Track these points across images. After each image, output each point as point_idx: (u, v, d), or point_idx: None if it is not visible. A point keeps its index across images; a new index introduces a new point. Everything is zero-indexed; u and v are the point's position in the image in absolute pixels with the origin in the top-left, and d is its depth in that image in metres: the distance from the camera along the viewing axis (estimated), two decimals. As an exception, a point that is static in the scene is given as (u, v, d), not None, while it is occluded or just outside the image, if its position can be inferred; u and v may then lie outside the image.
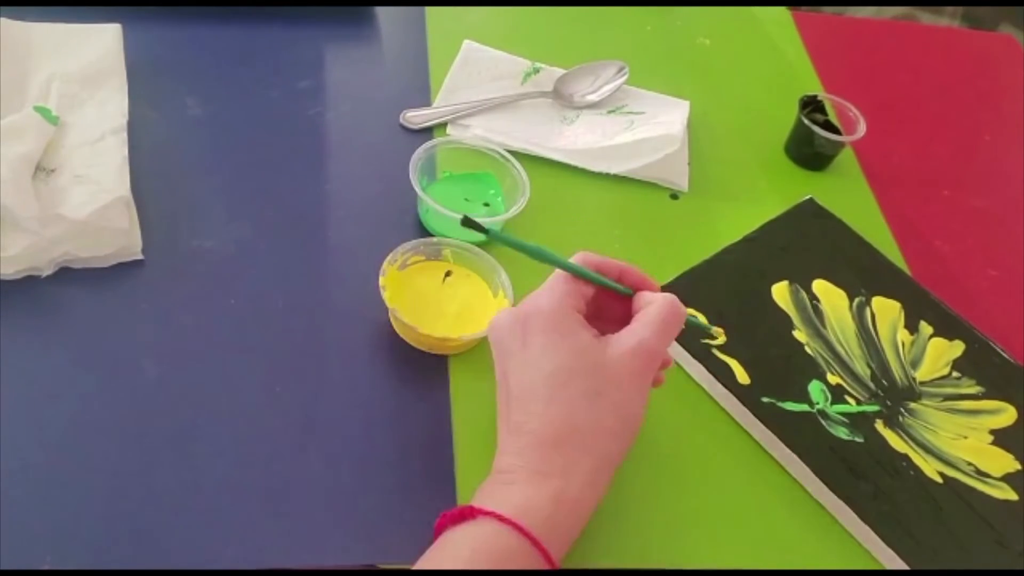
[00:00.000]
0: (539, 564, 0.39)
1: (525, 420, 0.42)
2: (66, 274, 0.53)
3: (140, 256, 0.54)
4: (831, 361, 0.56)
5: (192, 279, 0.55)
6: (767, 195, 0.69)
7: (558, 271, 0.46)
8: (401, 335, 0.54)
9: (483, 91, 0.70)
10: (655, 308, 0.45)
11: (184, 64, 0.67)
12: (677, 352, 0.56)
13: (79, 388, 0.49)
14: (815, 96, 0.72)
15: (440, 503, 0.47)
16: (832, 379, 0.55)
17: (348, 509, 0.46)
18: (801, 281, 0.61)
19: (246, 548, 0.44)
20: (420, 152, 0.59)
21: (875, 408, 0.55)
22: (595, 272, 0.46)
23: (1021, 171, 0.78)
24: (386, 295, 0.52)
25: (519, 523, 0.39)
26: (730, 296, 0.59)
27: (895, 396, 0.56)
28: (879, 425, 0.54)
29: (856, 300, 0.60)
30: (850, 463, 0.51)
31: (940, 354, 0.58)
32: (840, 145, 0.71)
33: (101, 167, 0.56)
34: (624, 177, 0.67)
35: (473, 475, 0.48)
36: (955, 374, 0.58)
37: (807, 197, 0.67)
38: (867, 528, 0.49)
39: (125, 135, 0.59)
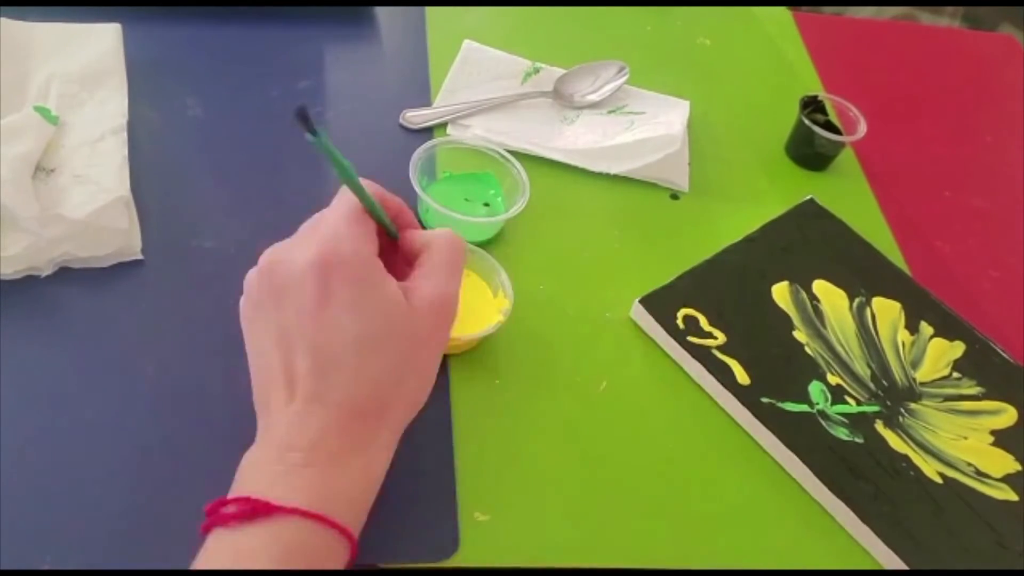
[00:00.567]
0: (343, 549, 0.36)
1: (325, 391, 0.37)
2: (66, 274, 0.53)
3: (140, 256, 0.54)
4: (831, 361, 0.56)
5: (192, 279, 0.55)
6: (767, 195, 0.69)
7: (344, 205, 0.40)
8: (401, 335, 0.54)
9: (483, 91, 0.70)
10: (441, 249, 0.41)
11: (184, 64, 0.67)
12: (676, 352, 0.56)
13: (79, 388, 0.49)
14: (815, 96, 0.72)
15: (440, 503, 0.47)
16: (832, 379, 0.55)
17: (348, 509, 0.46)
18: (801, 281, 0.61)
19: (246, 548, 0.44)
20: (420, 152, 0.59)
21: (875, 408, 0.55)
22: (380, 206, 0.41)
23: (1022, 171, 0.77)
24: (386, 295, 0.52)
25: (328, 517, 0.35)
26: (730, 296, 0.59)
27: (895, 397, 0.55)
28: (879, 425, 0.54)
29: (856, 300, 0.60)
30: (850, 463, 0.51)
31: (940, 354, 0.58)
32: (840, 145, 0.71)
33: (101, 167, 0.56)
34: (624, 177, 0.67)
35: (473, 475, 0.48)
36: (955, 375, 0.57)
37: (807, 197, 0.67)
38: (867, 528, 0.49)
39: (125, 135, 0.59)
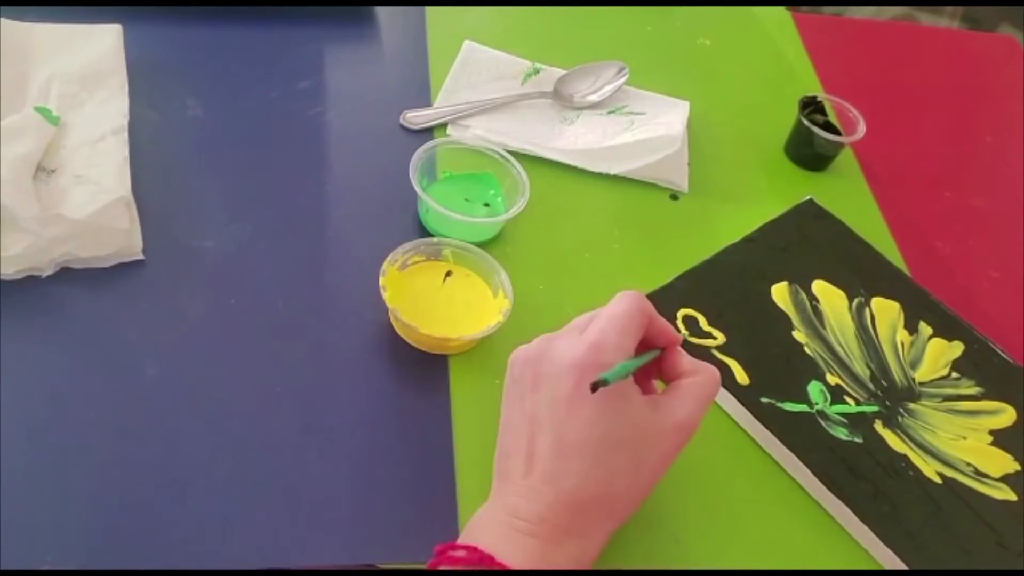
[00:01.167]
0: None
1: (560, 475, 0.40)
2: (66, 274, 0.53)
3: (140, 256, 0.55)
4: (830, 361, 0.56)
5: (192, 279, 0.55)
6: (767, 195, 0.69)
7: (616, 314, 0.43)
8: (401, 335, 0.54)
9: (483, 91, 0.70)
10: (702, 384, 0.44)
11: (184, 64, 0.67)
12: (677, 352, 0.56)
13: (79, 388, 0.49)
14: (815, 97, 0.72)
15: (440, 503, 0.47)
16: (831, 379, 0.55)
17: (348, 509, 0.46)
18: (801, 281, 0.61)
19: (246, 548, 0.44)
20: (420, 152, 0.59)
21: (874, 408, 0.55)
22: (641, 334, 0.44)
23: (1022, 172, 0.77)
24: (386, 295, 0.52)
25: None
26: (730, 296, 0.59)
27: (894, 396, 0.56)
28: (878, 425, 0.54)
29: (855, 300, 0.60)
30: (849, 463, 0.51)
31: (939, 354, 0.58)
32: (840, 146, 0.71)
33: (101, 167, 0.56)
34: (624, 177, 0.67)
35: (473, 475, 0.48)
36: (954, 375, 0.58)
37: (807, 198, 0.67)
38: (866, 528, 0.49)
39: (126, 135, 0.59)
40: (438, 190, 0.62)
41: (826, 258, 0.62)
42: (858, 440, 0.53)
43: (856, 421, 0.54)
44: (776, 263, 0.61)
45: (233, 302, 0.54)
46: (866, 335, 0.59)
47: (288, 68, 0.69)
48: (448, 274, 0.57)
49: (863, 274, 0.62)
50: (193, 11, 0.71)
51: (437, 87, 0.70)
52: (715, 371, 0.45)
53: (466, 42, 0.74)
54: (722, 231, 0.63)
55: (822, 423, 0.53)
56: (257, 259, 0.57)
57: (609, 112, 0.71)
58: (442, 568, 0.39)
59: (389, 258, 0.54)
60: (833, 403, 0.54)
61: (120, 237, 0.54)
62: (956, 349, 0.59)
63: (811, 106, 0.72)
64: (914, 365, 0.58)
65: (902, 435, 0.53)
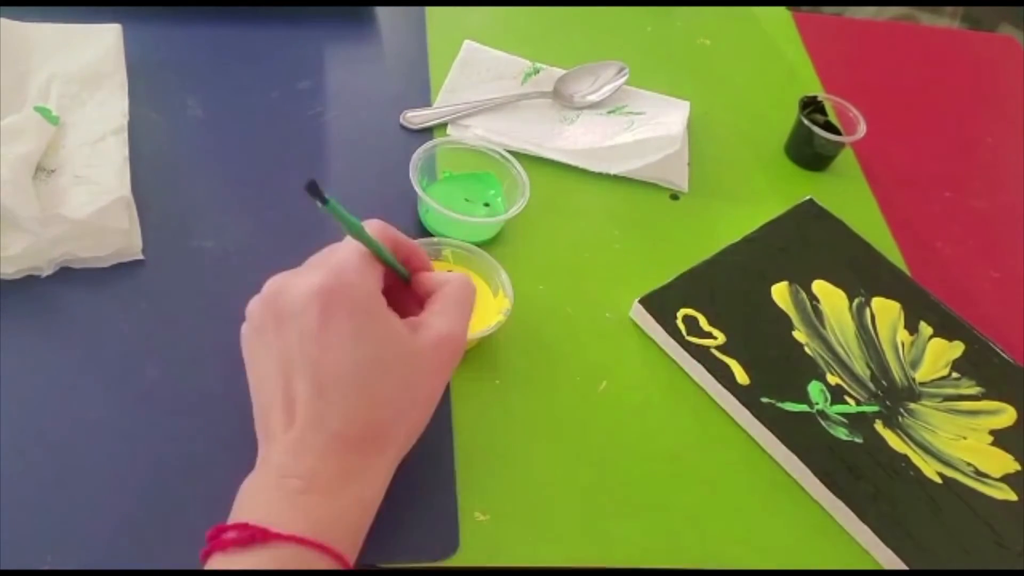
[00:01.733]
0: (334, 566, 0.36)
1: (325, 415, 0.37)
2: (66, 274, 0.53)
3: (140, 256, 0.54)
4: (831, 361, 0.56)
5: (192, 279, 0.55)
6: (767, 195, 0.69)
7: (353, 244, 0.41)
8: (401, 335, 0.54)
9: (483, 91, 0.70)
10: (452, 291, 0.42)
11: (184, 64, 0.67)
12: (676, 352, 0.56)
13: (79, 388, 0.49)
14: (815, 97, 0.72)
15: (440, 503, 0.47)
16: (832, 379, 0.55)
17: (348, 509, 0.46)
18: (801, 281, 0.61)
19: (246, 548, 0.44)
20: (420, 152, 0.59)
21: (874, 408, 0.55)
22: (390, 250, 0.42)
23: (1022, 172, 0.77)
24: (386, 295, 0.52)
25: (325, 544, 0.35)
26: (730, 296, 0.59)
27: (894, 396, 0.56)
28: (878, 425, 0.54)
29: (856, 300, 0.60)
30: (849, 463, 0.51)
31: (940, 354, 0.58)
32: (840, 146, 0.71)
33: (101, 167, 0.56)
34: (624, 177, 0.67)
35: (473, 475, 0.48)
36: (955, 375, 0.58)
37: (807, 198, 0.67)
38: (866, 528, 0.49)
39: (125, 135, 0.59)
40: (438, 190, 0.62)
41: (826, 258, 0.62)
42: (858, 440, 0.53)
43: (856, 421, 0.54)
44: (776, 263, 0.61)
45: (233, 302, 0.54)
46: (866, 335, 0.59)
47: (288, 68, 0.69)
48: (448, 274, 0.57)
49: (863, 274, 0.62)
50: (193, 11, 0.71)
51: (437, 87, 0.70)
52: (464, 276, 0.43)
53: (466, 42, 0.74)
54: (722, 231, 0.63)
55: (822, 423, 0.53)
56: (257, 259, 0.56)
57: (609, 112, 0.71)
58: (216, 555, 0.35)
59: (389, 258, 0.54)
60: (833, 403, 0.54)
61: (120, 237, 0.54)
62: (956, 349, 0.59)
63: (811, 106, 0.71)
64: (914, 365, 0.58)
65: (902, 435, 0.53)
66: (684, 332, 0.56)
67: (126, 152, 0.58)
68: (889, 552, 0.48)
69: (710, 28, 0.83)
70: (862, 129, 0.70)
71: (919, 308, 0.61)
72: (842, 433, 0.53)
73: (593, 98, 0.72)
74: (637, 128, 0.69)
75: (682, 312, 0.57)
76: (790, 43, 0.84)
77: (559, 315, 0.57)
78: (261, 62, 0.69)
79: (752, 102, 0.77)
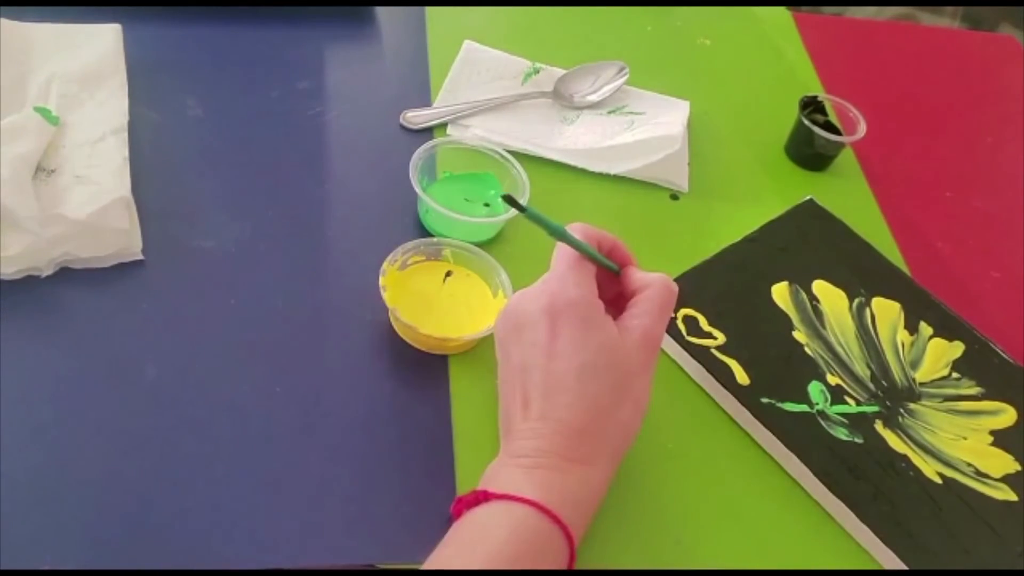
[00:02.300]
0: (563, 548, 0.40)
1: (553, 408, 0.43)
2: (66, 274, 0.53)
3: (140, 256, 0.55)
4: (831, 362, 0.56)
5: (192, 279, 0.55)
6: (767, 195, 0.69)
7: (566, 254, 0.47)
8: (401, 335, 0.54)
9: (483, 91, 0.70)
10: (654, 294, 0.47)
11: (184, 64, 0.67)
12: (676, 352, 0.56)
13: (79, 388, 0.49)
14: (815, 96, 0.72)
15: (440, 503, 0.47)
16: (832, 380, 0.55)
17: (348, 509, 0.46)
18: (801, 281, 0.61)
19: (246, 548, 0.44)
20: (420, 152, 0.59)
21: (875, 409, 0.55)
22: (594, 248, 0.48)
23: (1022, 172, 0.77)
24: (386, 295, 0.52)
25: (552, 510, 0.40)
26: (730, 296, 0.59)
27: (895, 397, 0.56)
28: (879, 426, 0.54)
29: (856, 301, 0.60)
30: (849, 464, 0.51)
31: (940, 355, 0.58)
32: (840, 146, 0.71)
33: (101, 167, 0.56)
34: (624, 177, 0.67)
35: (473, 475, 0.48)
36: (955, 375, 0.58)
37: (807, 198, 0.67)
38: (866, 529, 0.49)
39: (125, 135, 0.59)
40: (438, 190, 0.62)
41: (826, 258, 0.62)
42: (858, 440, 0.53)
43: (856, 421, 0.54)
44: (776, 263, 0.61)
45: (233, 302, 0.54)
46: (866, 335, 0.59)
47: (288, 68, 0.69)
48: (448, 274, 0.57)
49: (863, 274, 0.62)
50: (193, 11, 0.71)
51: (437, 87, 0.70)
52: (665, 278, 0.48)
53: (466, 42, 0.74)
54: (722, 231, 0.63)
55: (822, 423, 0.53)
56: (257, 259, 0.57)
57: (609, 112, 0.71)
58: (459, 512, 0.41)
59: (389, 258, 0.54)
60: (833, 403, 0.54)
61: (120, 237, 0.54)
62: (956, 349, 0.59)
63: (811, 106, 0.71)
64: (914, 365, 0.58)
65: (902, 435, 0.53)
66: (684, 332, 0.56)
67: (126, 152, 0.58)
68: (889, 552, 0.48)
69: (710, 28, 0.83)
70: (862, 129, 0.70)
71: (919, 308, 0.61)
72: (842, 433, 0.53)
73: (593, 98, 0.72)
74: (637, 128, 0.69)
75: (682, 312, 0.57)
76: (790, 43, 0.84)
77: (559, 315, 0.57)
78: (261, 62, 0.69)
79: (752, 102, 0.77)
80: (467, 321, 0.54)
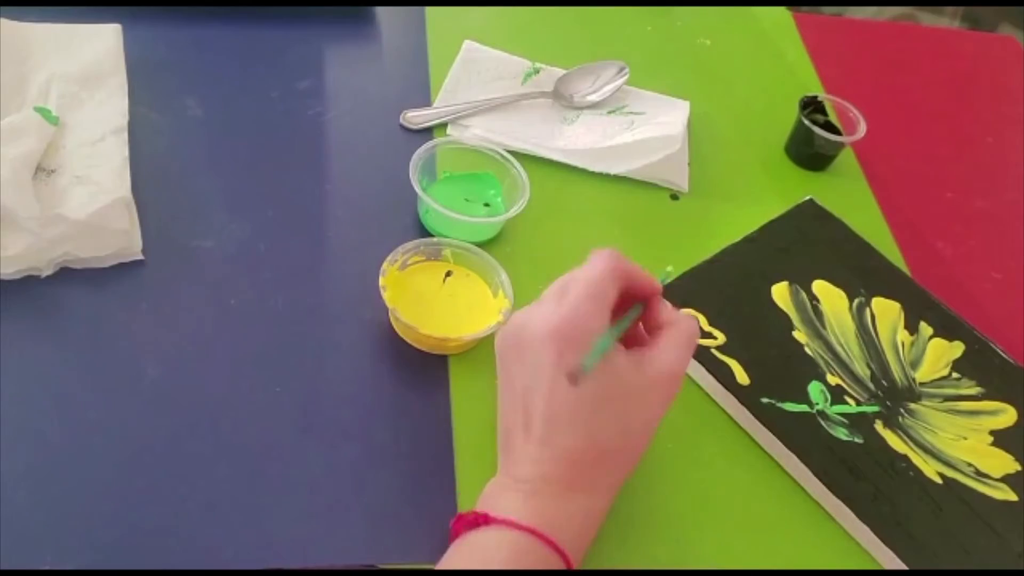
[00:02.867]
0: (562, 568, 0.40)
1: (554, 436, 0.42)
2: (66, 274, 0.53)
3: (140, 256, 0.54)
4: (831, 362, 0.56)
5: (192, 279, 0.55)
6: (767, 195, 0.69)
7: (585, 281, 0.44)
8: (401, 335, 0.54)
9: (483, 91, 0.70)
10: (682, 332, 0.45)
11: (184, 64, 0.67)
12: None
13: (79, 388, 0.49)
14: (815, 96, 0.72)
15: (440, 503, 0.47)
16: (832, 380, 0.55)
17: (348, 509, 0.46)
18: (801, 282, 0.61)
19: (246, 548, 0.44)
20: (420, 152, 0.59)
21: (875, 409, 0.55)
22: (625, 277, 0.45)
23: (1023, 173, 0.77)
24: (386, 295, 0.52)
25: (552, 539, 0.40)
26: (730, 296, 0.59)
27: (895, 397, 0.56)
28: (879, 426, 0.54)
29: (856, 301, 0.60)
30: (850, 464, 0.51)
31: (940, 355, 0.58)
32: (840, 146, 0.71)
33: (101, 168, 0.56)
34: (624, 177, 0.67)
35: (473, 475, 0.48)
36: (955, 375, 0.58)
37: (807, 198, 0.67)
38: (866, 529, 0.49)
39: (125, 135, 0.59)
40: (438, 190, 0.62)
41: (826, 258, 0.62)
42: (858, 440, 0.53)
43: (856, 421, 0.54)
44: (776, 263, 0.61)
45: (233, 302, 0.54)
46: (866, 335, 0.59)
47: (288, 68, 0.69)
48: (448, 274, 0.57)
49: (863, 274, 0.62)
50: (193, 11, 0.71)
51: (437, 87, 0.70)
52: (693, 319, 0.47)
53: (466, 42, 0.74)
54: (722, 231, 0.63)
55: (822, 423, 0.53)
56: (257, 259, 0.57)
57: (609, 112, 0.71)
58: (456, 540, 0.41)
59: (389, 258, 0.54)
60: (833, 403, 0.54)
61: (120, 237, 0.54)
62: (956, 349, 0.59)
63: (811, 106, 0.71)
64: (915, 365, 0.58)
65: (902, 435, 0.53)
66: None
67: (126, 152, 0.58)
68: (889, 552, 0.48)
69: (710, 28, 0.83)
70: (862, 129, 0.70)
71: (919, 308, 0.61)
72: (842, 433, 0.53)
73: (593, 98, 0.72)
74: (637, 128, 0.69)
75: (682, 312, 0.57)
76: (790, 43, 0.84)
77: (559, 315, 0.57)
78: (261, 62, 0.69)
79: (752, 102, 0.77)
80: (467, 321, 0.54)
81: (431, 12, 0.77)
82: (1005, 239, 0.71)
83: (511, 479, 0.42)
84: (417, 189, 0.58)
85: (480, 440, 0.50)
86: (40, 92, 0.60)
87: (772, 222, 0.64)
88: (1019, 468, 0.53)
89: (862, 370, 0.56)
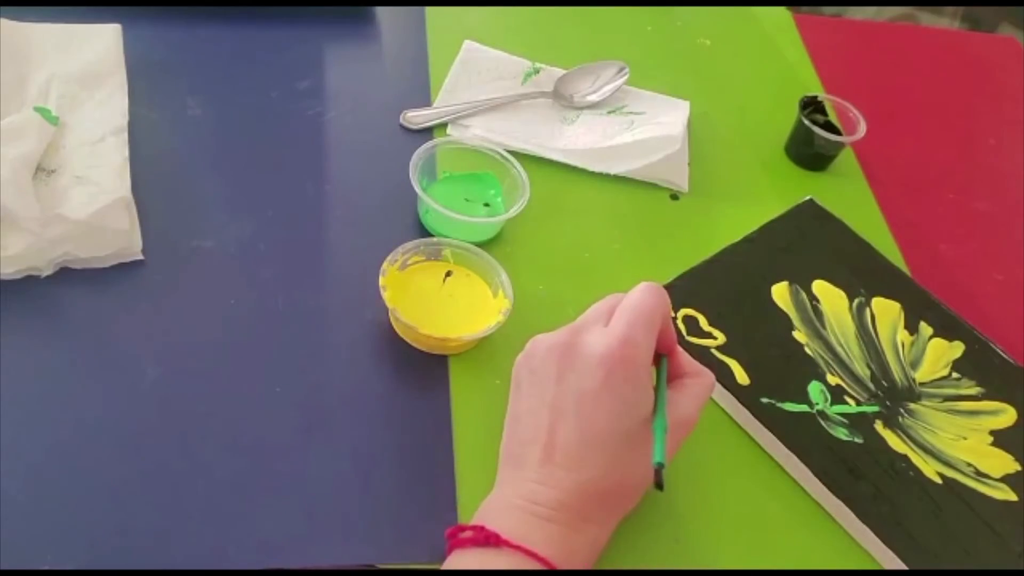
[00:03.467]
0: None
1: (582, 465, 0.42)
2: (66, 274, 0.53)
3: (140, 256, 0.54)
4: (831, 362, 0.56)
5: (192, 279, 0.55)
6: (767, 195, 0.69)
7: (638, 311, 0.43)
8: (401, 335, 0.54)
9: (483, 91, 0.70)
10: (705, 387, 0.46)
11: (184, 64, 0.67)
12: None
13: (79, 388, 0.49)
14: (815, 97, 0.72)
15: (440, 503, 0.47)
16: (832, 380, 0.55)
17: (348, 509, 0.46)
18: (801, 282, 0.61)
19: (246, 548, 0.44)
20: (420, 152, 0.59)
21: (874, 409, 0.55)
22: (659, 322, 0.44)
23: (1023, 173, 0.77)
24: (386, 295, 0.52)
25: (559, 567, 0.39)
26: (730, 296, 0.59)
27: (895, 397, 0.56)
28: (878, 426, 0.54)
29: (856, 301, 0.60)
30: (849, 464, 0.51)
31: (940, 355, 0.58)
32: (840, 146, 0.71)
33: (101, 168, 0.56)
34: (624, 177, 0.67)
35: (473, 475, 0.48)
36: (955, 375, 0.58)
37: (807, 198, 0.67)
38: (866, 529, 0.49)
39: (125, 135, 0.59)
40: (438, 190, 0.62)
41: (826, 258, 0.62)
42: (858, 440, 0.53)
43: (856, 421, 0.54)
44: (776, 263, 0.61)
45: (233, 302, 0.54)
46: (866, 335, 0.59)
47: (288, 68, 0.69)
48: (448, 274, 0.57)
49: (863, 274, 0.62)
50: (193, 11, 0.71)
51: (437, 87, 0.70)
52: (712, 375, 0.48)
53: (466, 42, 0.74)
54: (722, 231, 0.63)
55: (822, 423, 0.53)
56: (257, 259, 0.57)
57: (609, 112, 0.71)
58: (455, 552, 0.40)
59: (389, 258, 0.54)
60: (833, 403, 0.54)
61: (120, 237, 0.54)
62: (956, 349, 0.59)
63: (811, 106, 0.71)
64: (914, 365, 0.58)
65: (902, 435, 0.53)
66: (684, 332, 0.56)
67: (126, 152, 0.58)
68: (889, 552, 0.48)
69: (710, 28, 0.83)
70: (862, 129, 0.70)
71: (919, 308, 0.61)
72: (842, 433, 0.53)
73: (593, 98, 0.72)
74: (637, 128, 0.69)
75: (682, 312, 0.57)
76: (790, 43, 0.84)
77: (559, 315, 0.57)
78: (261, 62, 0.69)
79: (752, 102, 0.77)
80: (467, 321, 0.54)
81: (431, 12, 0.77)
82: (1007, 240, 0.71)
83: (521, 499, 0.41)
84: (417, 189, 0.58)
85: (480, 440, 0.50)
86: (40, 92, 0.60)
87: (772, 222, 0.64)
88: (1019, 468, 0.53)
89: (862, 370, 0.56)
